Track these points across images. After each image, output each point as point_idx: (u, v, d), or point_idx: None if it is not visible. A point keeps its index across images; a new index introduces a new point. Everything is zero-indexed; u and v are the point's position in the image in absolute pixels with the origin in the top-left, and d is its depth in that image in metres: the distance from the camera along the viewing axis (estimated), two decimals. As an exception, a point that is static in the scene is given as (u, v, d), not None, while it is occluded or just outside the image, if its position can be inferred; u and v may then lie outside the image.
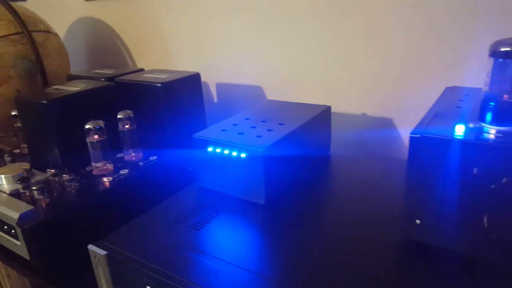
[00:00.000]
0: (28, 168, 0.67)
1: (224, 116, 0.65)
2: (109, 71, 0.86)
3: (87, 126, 0.63)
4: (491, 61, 0.38)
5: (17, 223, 0.54)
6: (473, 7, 0.60)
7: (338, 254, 0.44)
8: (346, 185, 0.61)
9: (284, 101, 0.72)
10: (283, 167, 0.58)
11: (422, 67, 0.67)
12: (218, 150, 0.56)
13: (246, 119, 0.63)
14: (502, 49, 0.37)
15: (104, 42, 1.13)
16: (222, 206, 0.55)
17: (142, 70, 0.87)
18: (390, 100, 0.72)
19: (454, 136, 0.38)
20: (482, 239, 0.39)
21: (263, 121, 0.61)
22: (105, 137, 0.65)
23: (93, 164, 0.66)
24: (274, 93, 0.86)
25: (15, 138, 0.82)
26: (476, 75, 0.58)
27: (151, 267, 0.43)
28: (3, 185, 0.64)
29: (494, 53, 0.37)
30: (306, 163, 0.65)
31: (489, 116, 0.39)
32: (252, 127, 0.59)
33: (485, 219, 0.38)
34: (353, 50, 0.73)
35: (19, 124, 0.76)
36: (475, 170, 0.37)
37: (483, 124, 0.39)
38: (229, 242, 0.48)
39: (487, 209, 0.38)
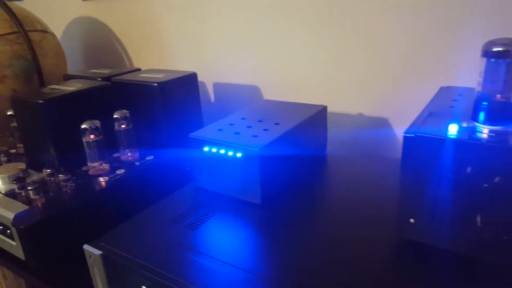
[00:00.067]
0: (24, 168, 0.67)
1: (221, 116, 0.65)
2: (105, 71, 0.86)
3: (83, 126, 0.63)
4: (484, 61, 0.38)
5: (12, 223, 0.54)
6: (473, 7, 0.60)
7: (334, 253, 0.44)
8: (342, 185, 0.61)
9: (281, 101, 0.72)
10: (279, 166, 0.58)
11: (420, 67, 0.67)
12: (214, 150, 0.56)
13: (242, 119, 0.63)
14: (495, 49, 0.37)
15: (101, 42, 1.13)
16: (218, 206, 0.55)
17: (139, 69, 0.86)
18: (388, 100, 0.72)
19: (448, 136, 0.38)
20: (476, 238, 0.39)
21: (259, 121, 0.62)
22: (101, 137, 0.65)
23: (89, 164, 0.65)
24: (272, 93, 0.86)
25: (11, 138, 0.82)
26: (472, 75, 0.58)
27: (146, 267, 0.43)
28: (-1, 185, 0.64)
29: (487, 53, 0.38)
30: (302, 162, 0.65)
31: (482, 116, 0.39)
32: (248, 126, 0.60)
33: (478, 218, 0.39)
34: (351, 50, 0.73)
35: (15, 124, 0.76)
36: (468, 169, 0.38)
37: (476, 124, 0.39)
38: (225, 241, 0.48)
39: (480, 208, 0.38)
